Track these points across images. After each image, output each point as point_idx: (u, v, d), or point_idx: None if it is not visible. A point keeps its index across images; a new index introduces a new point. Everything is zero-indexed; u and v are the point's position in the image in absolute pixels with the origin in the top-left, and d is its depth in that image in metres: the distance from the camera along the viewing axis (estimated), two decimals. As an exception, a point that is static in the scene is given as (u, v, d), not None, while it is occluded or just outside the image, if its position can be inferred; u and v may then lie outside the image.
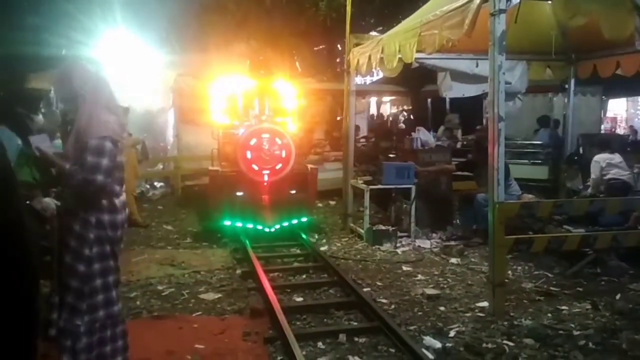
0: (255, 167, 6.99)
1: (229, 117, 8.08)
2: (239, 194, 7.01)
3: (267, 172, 7.01)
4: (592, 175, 7.09)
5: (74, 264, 2.96)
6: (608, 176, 6.96)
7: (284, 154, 7.06)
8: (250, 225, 6.98)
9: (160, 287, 5.38)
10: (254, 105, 7.64)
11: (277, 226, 7.03)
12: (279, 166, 7.05)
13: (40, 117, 6.14)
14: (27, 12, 12.39)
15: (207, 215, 7.70)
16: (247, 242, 6.66)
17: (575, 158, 8.33)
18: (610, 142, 7.67)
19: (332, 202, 9.98)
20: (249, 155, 6.98)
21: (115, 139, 2.98)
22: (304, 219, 7.32)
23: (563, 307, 4.82)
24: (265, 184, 7.00)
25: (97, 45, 11.56)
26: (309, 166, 7.72)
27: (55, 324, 3.03)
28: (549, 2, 4.88)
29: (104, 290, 3.04)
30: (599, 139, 8.13)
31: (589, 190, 7.10)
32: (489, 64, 4.58)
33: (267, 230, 6.95)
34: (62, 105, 3.10)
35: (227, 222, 6.98)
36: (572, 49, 7.83)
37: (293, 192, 7.26)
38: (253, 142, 7.01)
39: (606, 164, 6.98)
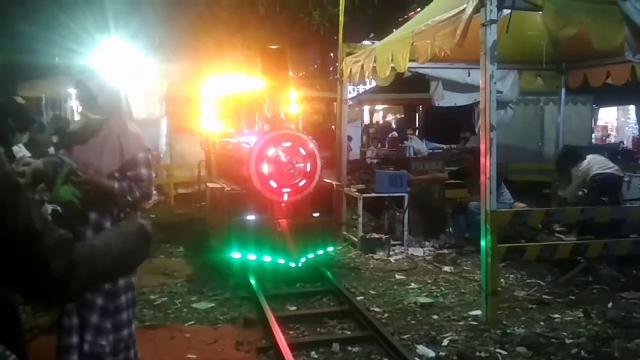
0: (273, 184, 5.56)
1: (224, 124, 7.14)
2: (250, 217, 5.67)
3: (288, 190, 5.62)
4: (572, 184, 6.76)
5: None
6: (592, 173, 6.52)
7: (308, 167, 5.67)
8: (267, 259, 5.52)
9: (152, 297, 5.34)
10: (263, 109, 6.26)
11: (303, 259, 5.60)
12: (302, 182, 5.66)
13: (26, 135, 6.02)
14: (19, 20, 12.38)
15: (206, 244, 6.36)
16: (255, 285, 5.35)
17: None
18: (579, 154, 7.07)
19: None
20: (265, 169, 5.53)
21: (150, 150, 3.07)
22: (330, 249, 6.01)
23: (555, 316, 4.83)
24: (284, 205, 5.68)
25: (90, 53, 11.56)
26: (333, 182, 6.22)
27: (76, 349, 2.85)
28: (540, 12, 4.92)
29: (127, 307, 2.97)
30: (582, 151, 7.67)
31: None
32: (480, 74, 4.62)
33: (291, 265, 5.54)
34: (93, 115, 2.99)
35: (236, 255, 5.51)
36: (562, 59, 7.91)
37: (316, 214, 5.90)
38: (271, 152, 5.56)
39: (586, 167, 6.61)
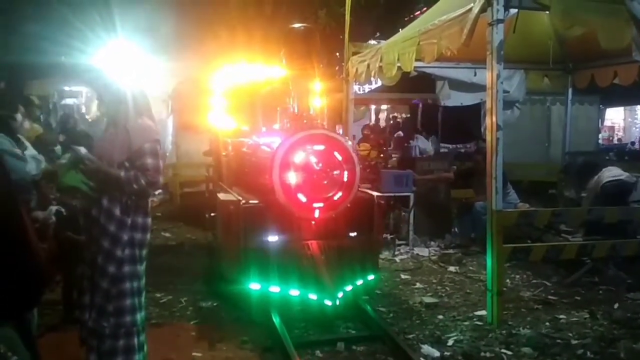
0: (302, 197, 4.48)
1: (237, 122, 6.06)
2: (272, 239, 4.55)
3: (320, 204, 4.53)
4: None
5: (105, 265, 3.02)
6: (603, 181, 6.36)
7: (346, 177, 4.57)
8: (294, 292, 4.39)
9: (158, 295, 5.36)
10: (286, 103, 5.06)
11: (340, 294, 4.35)
12: (338, 195, 4.56)
13: (19, 116, 6.00)
14: (28, 19, 12.46)
15: (216, 269, 5.35)
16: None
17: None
18: (596, 166, 6.86)
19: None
20: (292, 178, 4.46)
21: (161, 142, 3.21)
22: (371, 277, 4.84)
23: (561, 316, 4.82)
24: (314, 222, 4.58)
25: (96, 52, 11.59)
26: (374, 193, 5.06)
27: (85, 325, 3.09)
28: (547, 12, 4.91)
29: (132, 295, 3.08)
30: (585, 162, 7.43)
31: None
32: (487, 73, 4.60)
33: (327, 302, 4.25)
34: (103, 110, 3.32)
35: (255, 286, 4.39)
36: (569, 59, 7.88)
37: (353, 234, 4.76)
38: (299, 157, 4.48)
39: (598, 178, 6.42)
